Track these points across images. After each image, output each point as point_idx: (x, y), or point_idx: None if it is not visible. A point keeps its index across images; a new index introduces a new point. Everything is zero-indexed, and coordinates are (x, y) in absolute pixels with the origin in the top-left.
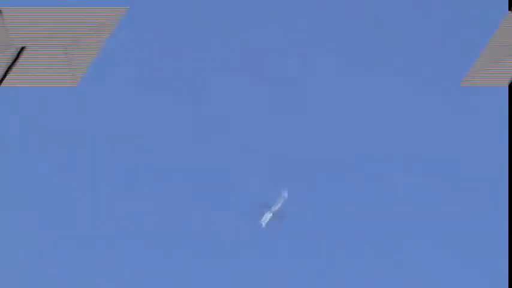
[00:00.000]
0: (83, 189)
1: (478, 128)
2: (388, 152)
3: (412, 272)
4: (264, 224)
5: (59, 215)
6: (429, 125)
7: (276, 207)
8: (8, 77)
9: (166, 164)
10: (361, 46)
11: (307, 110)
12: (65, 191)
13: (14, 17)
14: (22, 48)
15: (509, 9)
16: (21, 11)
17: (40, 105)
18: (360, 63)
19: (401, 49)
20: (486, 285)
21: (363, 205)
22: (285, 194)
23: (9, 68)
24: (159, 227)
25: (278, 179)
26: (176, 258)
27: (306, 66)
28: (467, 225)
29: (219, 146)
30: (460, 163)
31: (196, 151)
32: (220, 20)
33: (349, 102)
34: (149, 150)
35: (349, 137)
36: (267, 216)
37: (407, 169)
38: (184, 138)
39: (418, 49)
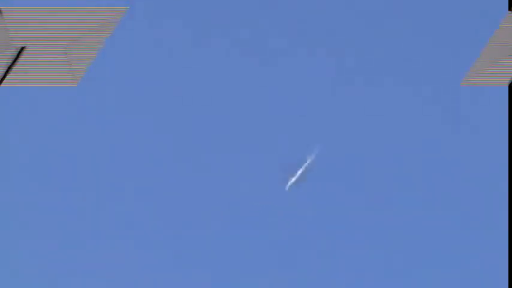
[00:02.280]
0: (83, 189)
1: (478, 128)
2: (387, 151)
3: (411, 271)
4: (288, 187)
5: (59, 216)
6: (429, 125)
7: (300, 172)
8: (8, 77)
9: (167, 159)
10: (360, 46)
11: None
12: (65, 191)
13: (14, 17)
14: (22, 48)
15: (509, 9)
16: (21, 11)
17: (40, 105)
18: (360, 63)
19: (401, 49)
20: (486, 285)
21: (365, 205)
22: (311, 158)
23: (9, 68)
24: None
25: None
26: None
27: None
28: (466, 225)
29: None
30: (460, 163)
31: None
32: (223, 20)
33: (348, 102)
34: (149, 149)
35: (348, 137)
36: (291, 179)
37: (406, 168)
38: (185, 137)
39: (418, 49)
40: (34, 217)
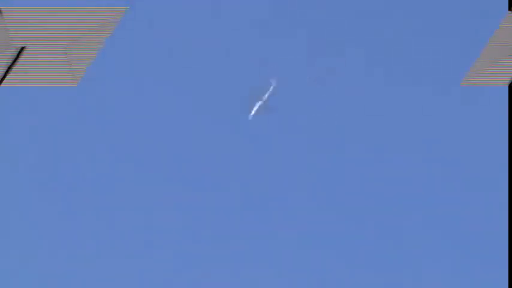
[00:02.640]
0: (83, 189)
1: (478, 128)
2: (386, 151)
3: (411, 271)
4: (252, 114)
5: (58, 217)
6: (429, 125)
7: (265, 96)
8: (8, 77)
9: (165, 160)
10: (360, 45)
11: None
12: (65, 191)
13: (14, 17)
14: (22, 48)
15: (509, 9)
16: (21, 11)
17: (40, 105)
18: (358, 63)
19: (401, 49)
20: (486, 285)
21: (362, 201)
22: (274, 82)
23: (9, 68)
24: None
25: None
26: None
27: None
28: (466, 225)
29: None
30: (460, 163)
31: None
32: (223, 19)
33: (346, 101)
34: (150, 149)
35: (348, 136)
36: (256, 105)
37: (405, 169)
38: (186, 140)
39: (418, 49)
40: (34, 217)
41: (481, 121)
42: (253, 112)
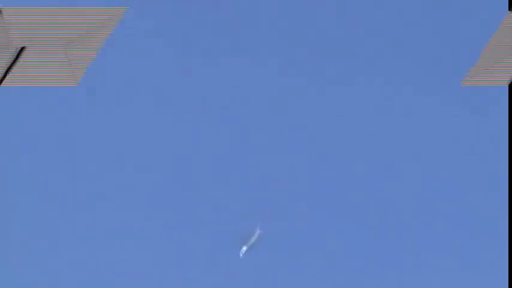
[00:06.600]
0: (83, 189)
1: (478, 128)
2: (386, 152)
3: (411, 272)
4: (241, 254)
5: (59, 216)
6: (429, 125)
7: (251, 241)
8: (8, 77)
9: (159, 167)
10: (360, 45)
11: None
12: (65, 191)
13: (14, 17)
14: (22, 48)
15: (509, 9)
16: (21, 11)
17: (40, 105)
18: (359, 63)
19: (401, 49)
20: (486, 285)
21: (363, 202)
22: (260, 230)
23: (9, 68)
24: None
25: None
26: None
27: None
28: (466, 225)
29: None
30: (460, 163)
31: (195, 154)
32: (222, 20)
33: (347, 102)
34: (148, 151)
35: (349, 137)
36: (244, 248)
37: (406, 169)
38: (182, 144)
39: (418, 49)
40: (34, 216)
41: (481, 121)
42: (243, 251)
